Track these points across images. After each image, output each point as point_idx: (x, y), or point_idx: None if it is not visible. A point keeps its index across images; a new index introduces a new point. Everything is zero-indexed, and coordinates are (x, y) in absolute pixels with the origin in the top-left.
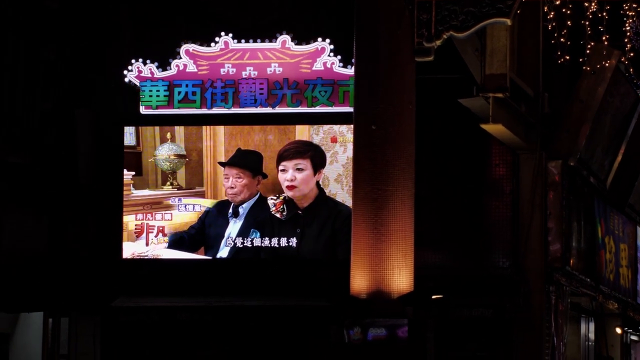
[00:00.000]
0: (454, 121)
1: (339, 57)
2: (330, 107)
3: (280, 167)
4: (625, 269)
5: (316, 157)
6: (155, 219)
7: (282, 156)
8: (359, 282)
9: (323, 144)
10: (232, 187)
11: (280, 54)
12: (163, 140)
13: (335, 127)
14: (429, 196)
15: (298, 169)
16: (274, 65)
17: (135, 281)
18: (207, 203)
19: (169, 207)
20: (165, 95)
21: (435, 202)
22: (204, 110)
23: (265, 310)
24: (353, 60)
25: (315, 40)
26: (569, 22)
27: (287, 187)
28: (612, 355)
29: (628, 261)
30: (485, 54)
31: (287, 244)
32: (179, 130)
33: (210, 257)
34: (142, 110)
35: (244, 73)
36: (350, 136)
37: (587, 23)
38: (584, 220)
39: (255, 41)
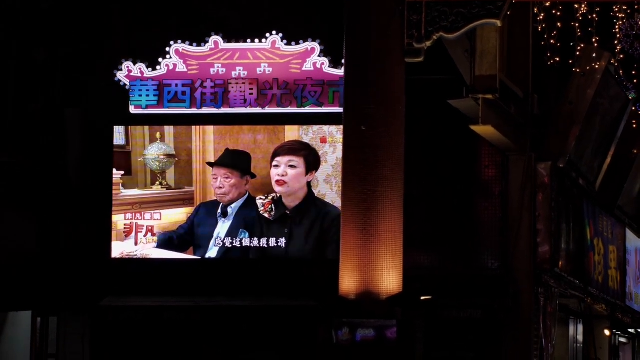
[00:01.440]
0: (443, 122)
1: (328, 57)
2: (320, 108)
3: (274, 163)
4: (614, 271)
5: (310, 157)
6: (144, 219)
7: (277, 152)
8: (348, 282)
9: (313, 144)
10: (220, 187)
11: (270, 54)
12: (152, 140)
13: (325, 128)
14: (419, 197)
15: (290, 166)
16: (263, 65)
17: (124, 281)
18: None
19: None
20: (155, 95)
21: (424, 203)
22: (194, 110)
23: (253, 310)
24: (343, 61)
25: (305, 41)
26: (559, 24)
27: (277, 181)
28: (601, 357)
29: (617, 263)
30: (475, 55)
31: (275, 244)
32: (169, 130)
33: (199, 257)
34: (132, 109)
35: (233, 73)
36: (339, 137)
37: (577, 25)
38: (573, 222)
39: (245, 41)
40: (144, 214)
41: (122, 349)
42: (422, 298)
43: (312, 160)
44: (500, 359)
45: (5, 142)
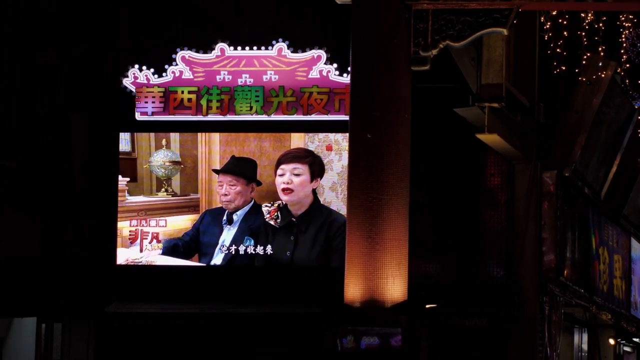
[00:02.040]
0: (449, 130)
1: (335, 65)
2: (326, 115)
3: (279, 171)
4: (619, 280)
5: (315, 164)
6: (149, 226)
7: (281, 160)
8: (353, 290)
9: (318, 152)
10: (225, 195)
11: (276, 62)
12: (158, 146)
13: (331, 135)
14: (424, 205)
15: (295, 174)
16: (270, 72)
17: (129, 287)
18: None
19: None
20: (160, 102)
21: (430, 211)
22: (200, 117)
23: (258, 317)
24: (349, 69)
25: (312, 48)
26: (565, 33)
27: (283, 190)
28: None
29: (622, 272)
30: (482, 63)
31: (281, 252)
32: (174, 136)
33: (205, 264)
34: (138, 116)
35: (239, 80)
36: (345, 144)
37: (583, 34)
38: (578, 231)
39: (251, 48)
40: (150, 220)
41: (127, 355)
42: (427, 306)
43: (316, 168)
44: None
45: (11, 146)
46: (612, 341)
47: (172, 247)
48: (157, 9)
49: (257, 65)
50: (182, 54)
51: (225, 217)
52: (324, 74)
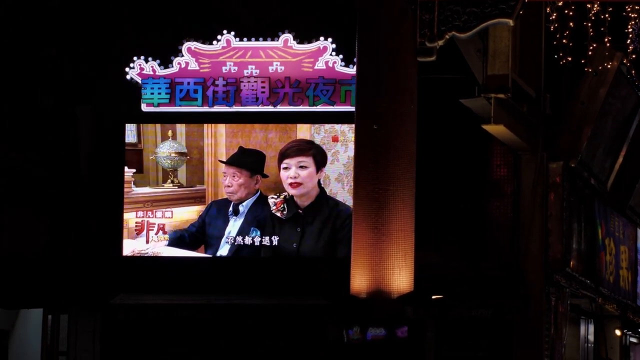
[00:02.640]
0: (455, 121)
1: (340, 56)
2: (332, 106)
3: (283, 165)
4: (625, 271)
5: (318, 155)
6: (155, 217)
7: (285, 154)
8: (359, 281)
9: (324, 143)
10: (228, 186)
11: (282, 53)
12: (164, 138)
13: (337, 126)
14: (430, 196)
15: (301, 167)
16: (275, 63)
17: (135, 278)
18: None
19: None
20: (166, 93)
21: (436, 202)
22: (206, 108)
23: (264, 309)
24: (355, 60)
25: (318, 39)
26: (571, 24)
27: (290, 184)
28: (612, 357)
29: (628, 263)
30: (488, 54)
31: (287, 243)
32: (180, 128)
33: (211, 255)
34: (144, 107)
35: (245, 71)
36: (351, 135)
37: (589, 24)
38: (584, 222)
39: (257, 40)
40: (156, 212)
41: (133, 346)
42: (433, 297)
43: (320, 158)
44: (510, 358)
45: (17, 140)
46: (618, 332)
47: (178, 239)
48: (163, 1)
49: (263, 57)
50: (188, 45)
51: (231, 208)
52: (330, 64)
